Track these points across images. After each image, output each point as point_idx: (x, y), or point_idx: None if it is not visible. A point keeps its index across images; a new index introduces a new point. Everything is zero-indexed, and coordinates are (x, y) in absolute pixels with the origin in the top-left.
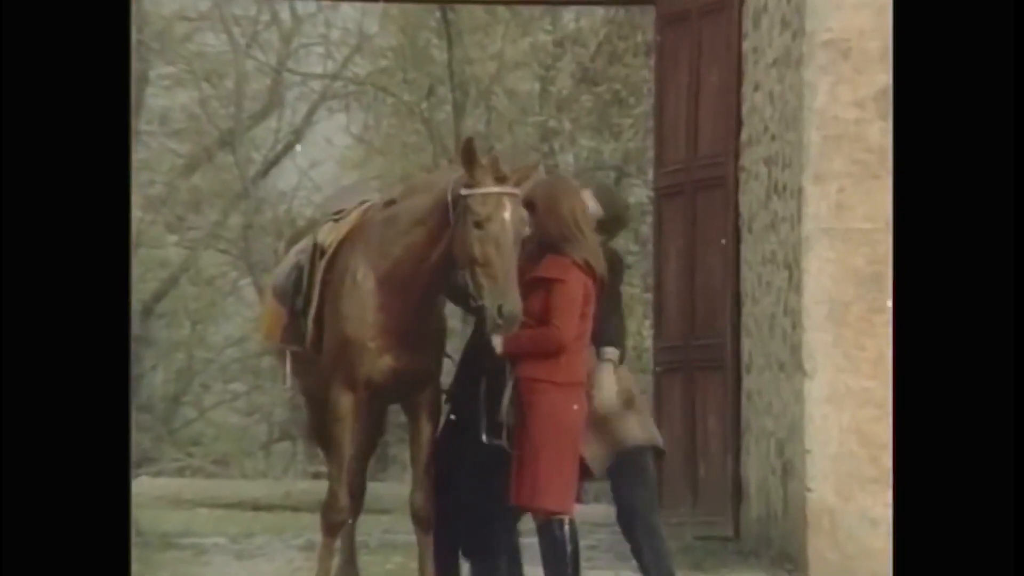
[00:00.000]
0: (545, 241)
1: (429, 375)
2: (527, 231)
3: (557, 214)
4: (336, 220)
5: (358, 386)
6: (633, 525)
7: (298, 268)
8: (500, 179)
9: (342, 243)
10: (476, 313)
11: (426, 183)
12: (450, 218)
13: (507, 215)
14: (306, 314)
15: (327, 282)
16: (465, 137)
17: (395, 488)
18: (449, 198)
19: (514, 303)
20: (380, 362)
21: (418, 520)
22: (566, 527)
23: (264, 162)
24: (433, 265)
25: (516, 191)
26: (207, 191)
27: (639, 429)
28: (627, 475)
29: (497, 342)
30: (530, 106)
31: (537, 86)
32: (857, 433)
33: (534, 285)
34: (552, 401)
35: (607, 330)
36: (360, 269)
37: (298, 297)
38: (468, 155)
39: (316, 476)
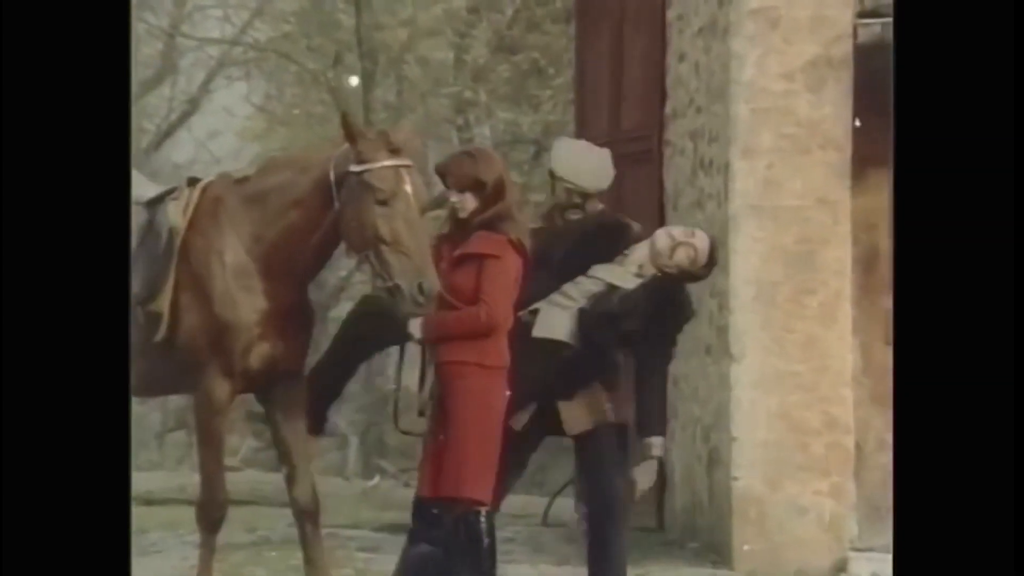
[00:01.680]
0: (476, 217)
1: (300, 363)
2: (454, 206)
3: (495, 189)
4: (175, 199)
5: (235, 375)
6: (609, 515)
7: (133, 250)
8: (394, 151)
9: (190, 225)
10: (388, 294)
11: (289, 160)
12: (334, 198)
13: (410, 188)
14: (150, 303)
15: (181, 267)
16: (342, 112)
17: None
18: (332, 177)
19: (433, 279)
20: (259, 349)
21: (308, 515)
22: (482, 519)
23: (157, 133)
24: (314, 248)
25: (412, 163)
26: None
27: (624, 405)
28: (606, 455)
29: (415, 326)
30: (444, 76)
31: (451, 55)
32: (786, 419)
33: (461, 262)
34: (480, 386)
35: (651, 413)
36: (228, 252)
37: (134, 282)
38: (349, 130)
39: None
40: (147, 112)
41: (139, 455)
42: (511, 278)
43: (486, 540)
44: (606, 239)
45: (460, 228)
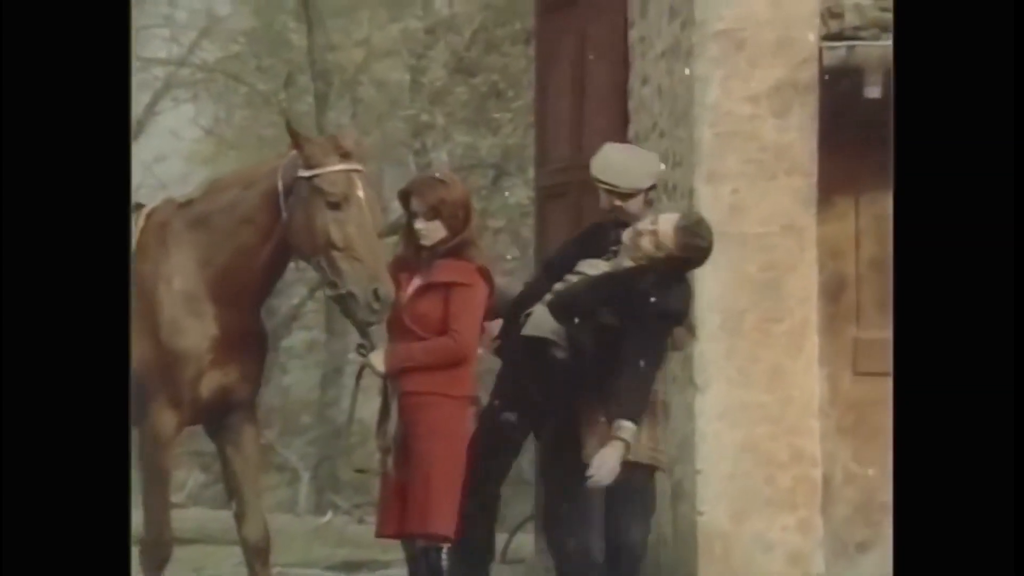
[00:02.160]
0: (443, 245)
1: (253, 393)
2: (420, 232)
3: (464, 216)
4: None
5: (183, 405)
6: (631, 568)
7: None
8: (345, 156)
9: (136, 252)
10: (341, 302)
11: (233, 178)
12: (281, 207)
13: (362, 193)
14: None
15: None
16: (284, 119)
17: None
18: (280, 185)
19: (389, 284)
20: (209, 378)
21: (258, 553)
22: (444, 555)
23: None
24: (264, 264)
25: (362, 168)
26: None
27: (648, 443)
28: (628, 500)
29: (378, 359)
30: (400, 98)
31: (407, 76)
32: (752, 451)
33: (426, 291)
34: (447, 417)
35: (625, 400)
36: (175, 278)
37: None
38: (295, 134)
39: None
40: None
41: None
42: (480, 307)
43: None
44: (597, 237)
45: (419, 255)
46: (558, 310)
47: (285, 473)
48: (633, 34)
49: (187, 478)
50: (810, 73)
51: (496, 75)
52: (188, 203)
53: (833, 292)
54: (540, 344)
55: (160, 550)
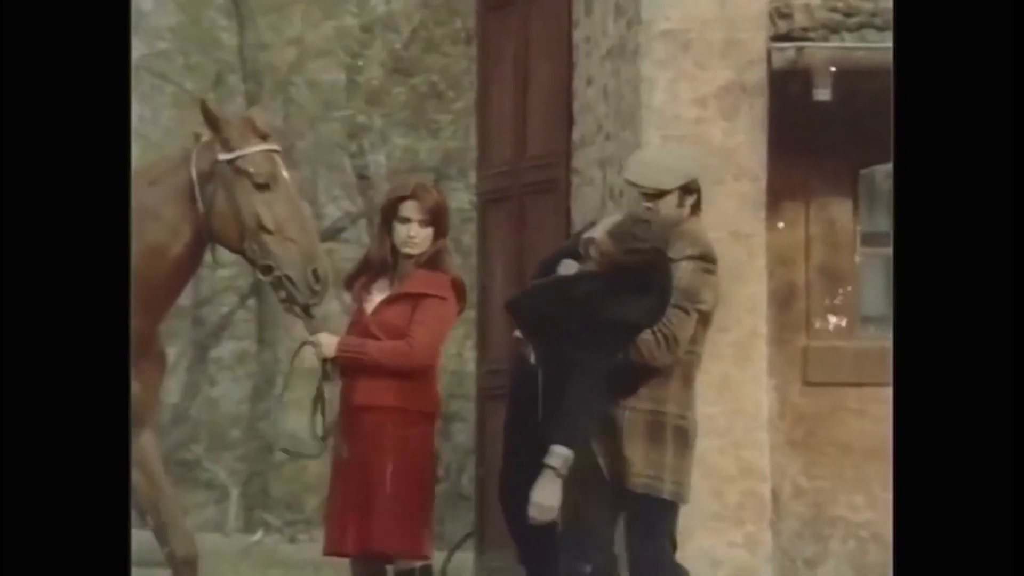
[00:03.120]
0: (425, 254)
1: (154, 411)
2: (409, 240)
3: (445, 225)
4: None
5: None
6: None
7: None
8: (263, 136)
9: None
10: (278, 287)
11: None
12: (197, 196)
13: (286, 173)
14: None
15: None
16: (200, 100)
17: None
18: (194, 173)
19: (325, 263)
20: None
21: (189, 565)
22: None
23: None
24: (175, 262)
25: (279, 148)
26: None
27: (645, 469)
28: (629, 529)
29: (326, 342)
30: (335, 99)
31: (343, 76)
32: (699, 465)
33: (397, 301)
34: (408, 434)
35: (560, 418)
36: None
37: None
38: (211, 117)
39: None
40: None
41: None
42: (446, 321)
43: None
44: (577, 237)
45: (392, 262)
46: (518, 313)
47: (213, 490)
48: (578, 33)
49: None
50: (758, 75)
51: (436, 75)
52: None
53: (783, 300)
54: (519, 344)
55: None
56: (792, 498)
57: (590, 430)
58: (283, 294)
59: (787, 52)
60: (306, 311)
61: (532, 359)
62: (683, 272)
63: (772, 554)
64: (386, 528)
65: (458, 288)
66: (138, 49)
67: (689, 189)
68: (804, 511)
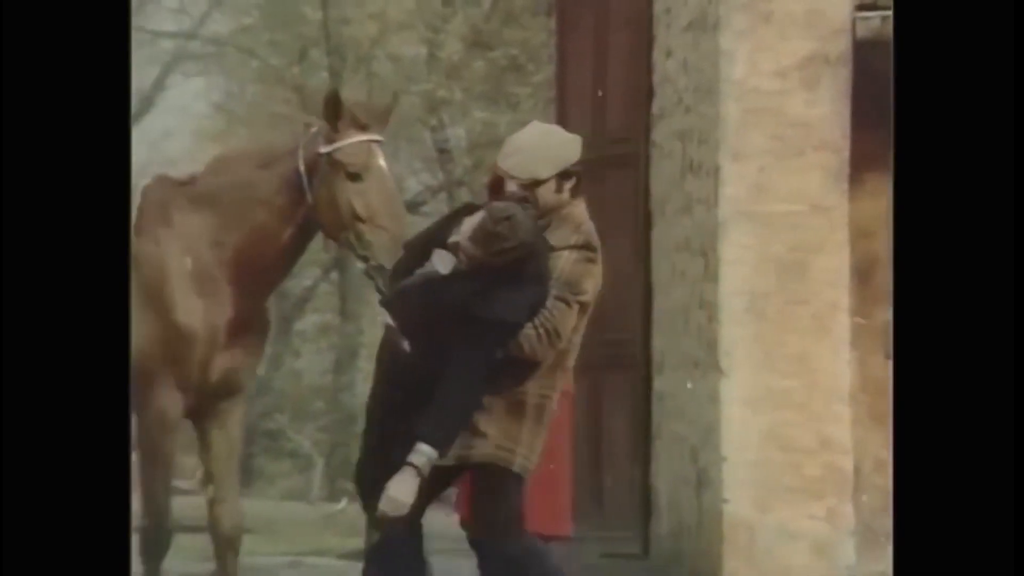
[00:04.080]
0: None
1: (252, 378)
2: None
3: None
4: None
5: (190, 388)
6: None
7: None
8: (363, 127)
9: (135, 231)
10: (373, 275)
11: (242, 157)
12: (305, 187)
13: (382, 162)
14: None
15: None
16: (331, 88)
17: (259, 505)
18: (302, 165)
19: None
20: (219, 361)
21: (230, 542)
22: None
23: None
24: (284, 247)
25: (382, 138)
26: None
27: (500, 440)
28: (477, 501)
29: None
30: (416, 73)
31: (424, 50)
32: (777, 438)
33: None
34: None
35: (434, 418)
36: (186, 258)
37: None
38: (335, 108)
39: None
40: None
41: None
42: None
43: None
44: (458, 220)
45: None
46: (393, 311)
47: (298, 460)
48: (658, 6)
49: (197, 464)
50: (841, 45)
51: (515, 48)
52: (189, 181)
53: (864, 273)
54: (391, 332)
55: (160, 537)
56: (873, 471)
57: (459, 432)
58: (380, 283)
59: (872, 21)
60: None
61: (406, 346)
62: (564, 262)
63: (854, 528)
64: (548, 509)
65: None
66: (224, 24)
67: (567, 174)
68: (886, 484)
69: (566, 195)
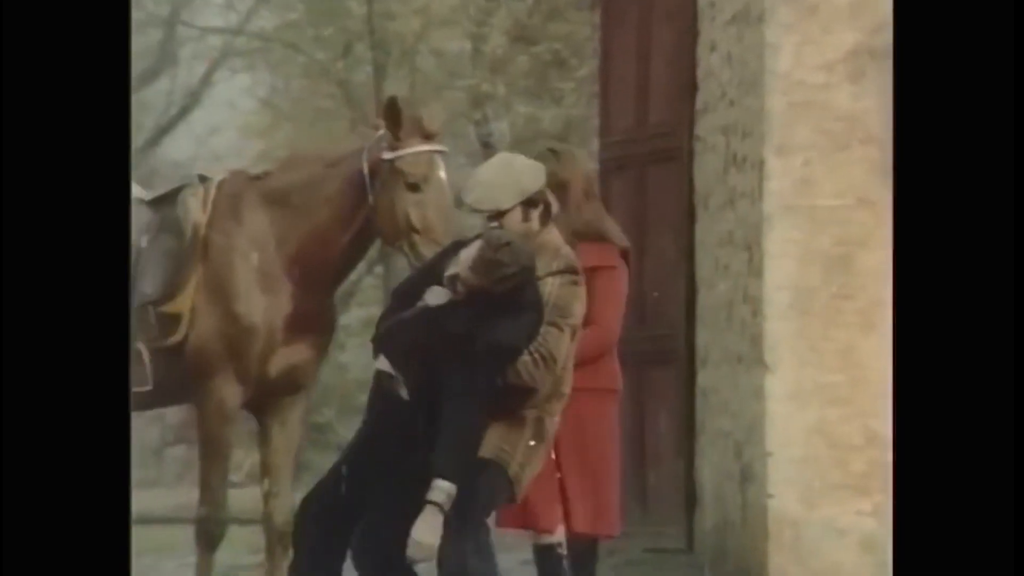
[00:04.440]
0: (571, 227)
1: (314, 374)
2: (554, 212)
3: (591, 194)
4: (193, 195)
5: (250, 381)
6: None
7: (135, 251)
8: (427, 137)
9: (209, 223)
10: None
11: (312, 156)
12: (368, 190)
13: (443, 174)
14: (165, 303)
15: (201, 266)
16: (389, 96)
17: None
18: (366, 168)
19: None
20: (280, 355)
21: (281, 537)
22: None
23: (155, 129)
24: (345, 248)
25: (445, 148)
26: None
27: (499, 442)
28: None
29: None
30: (460, 68)
31: (468, 45)
32: (823, 434)
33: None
34: (594, 413)
35: (446, 452)
36: (252, 252)
37: (144, 282)
38: (394, 114)
39: (233, 485)
40: (144, 106)
41: (135, 472)
42: (624, 292)
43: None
44: (448, 259)
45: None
46: (386, 346)
47: None
48: None
49: (244, 458)
50: (887, 38)
51: (559, 43)
52: (263, 176)
53: None
54: (387, 380)
55: (215, 528)
56: None
57: (470, 461)
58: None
59: None
60: None
61: (404, 394)
62: (551, 288)
63: None
64: (589, 511)
65: (627, 257)
66: (269, 20)
67: (533, 202)
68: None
69: (535, 224)
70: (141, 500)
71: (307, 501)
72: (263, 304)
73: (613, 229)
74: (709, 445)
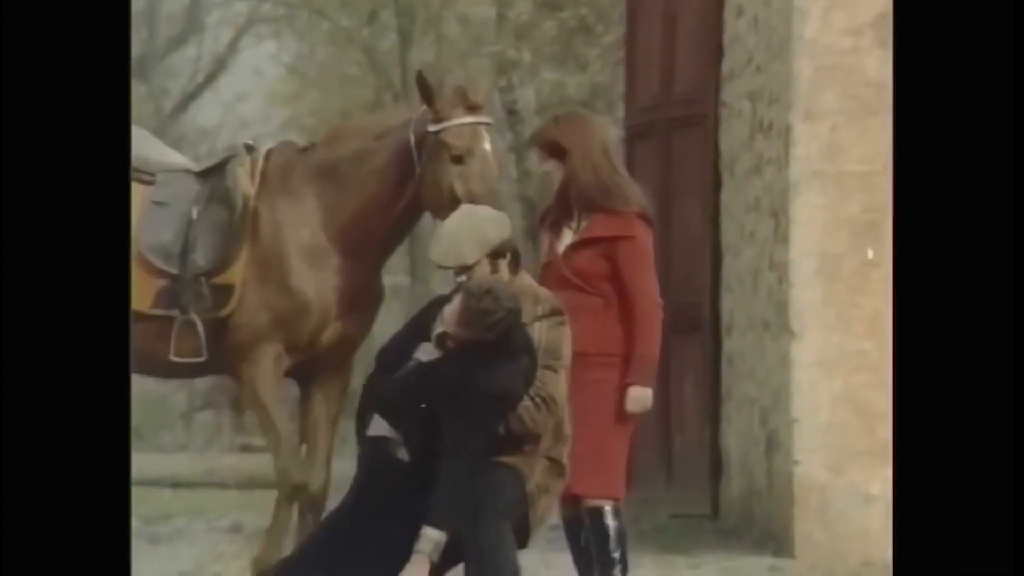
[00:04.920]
0: (579, 195)
1: (359, 346)
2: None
3: (595, 159)
4: (241, 166)
5: (298, 351)
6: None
7: (187, 222)
8: (472, 108)
9: (257, 194)
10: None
11: (359, 128)
12: (415, 163)
13: (488, 146)
14: (217, 275)
15: (251, 238)
16: (416, 71)
17: (340, 464)
18: (412, 140)
19: (513, 243)
20: (332, 328)
21: (313, 502)
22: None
23: (182, 95)
24: (394, 221)
25: (490, 120)
26: None
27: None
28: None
29: (643, 396)
30: (485, 34)
31: (493, 11)
32: (850, 401)
33: (583, 246)
34: (603, 376)
35: (440, 501)
36: (303, 225)
37: (193, 256)
38: (425, 88)
39: (244, 449)
40: (171, 73)
41: (164, 437)
42: (650, 256)
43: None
44: (430, 317)
45: (560, 203)
46: (384, 408)
47: None
48: None
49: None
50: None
51: (584, 9)
52: (310, 148)
53: None
54: (383, 444)
55: (299, 477)
56: None
57: (462, 510)
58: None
59: None
60: None
61: (403, 455)
62: (539, 332)
63: None
64: (602, 474)
65: (645, 220)
66: None
67: (499, 252)
68: None
69: (504, 273)
70: (171, 464)
71: (286, 563)
72: (315, 278)
73: (633, 190)
74: (735, 412)
